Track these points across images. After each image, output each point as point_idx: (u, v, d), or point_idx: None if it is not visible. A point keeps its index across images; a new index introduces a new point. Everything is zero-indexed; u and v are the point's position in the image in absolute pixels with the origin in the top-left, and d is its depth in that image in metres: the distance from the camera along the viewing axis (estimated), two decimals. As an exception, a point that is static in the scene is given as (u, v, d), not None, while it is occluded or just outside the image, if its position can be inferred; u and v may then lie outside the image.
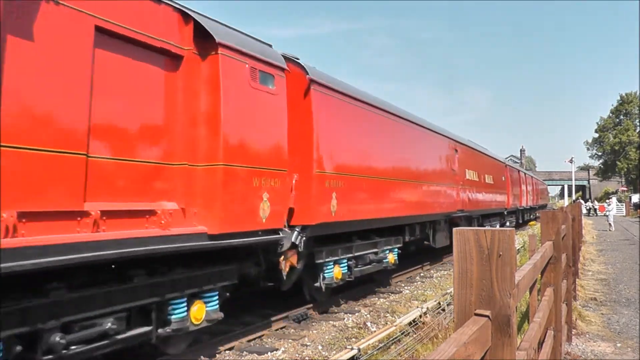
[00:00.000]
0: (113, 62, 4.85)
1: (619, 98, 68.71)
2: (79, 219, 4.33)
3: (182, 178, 5.54)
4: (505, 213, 23.84)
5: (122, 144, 4.96)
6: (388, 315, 8.61)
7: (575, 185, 71.89)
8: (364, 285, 10.64)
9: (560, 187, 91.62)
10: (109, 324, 4.63)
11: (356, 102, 9.26)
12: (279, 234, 6.73)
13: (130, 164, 5.02)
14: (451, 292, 9.20)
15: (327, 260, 8.30)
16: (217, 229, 5.61)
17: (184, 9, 5.62)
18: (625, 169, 64.75)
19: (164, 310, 5.34)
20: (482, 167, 19.02)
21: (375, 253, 9.96)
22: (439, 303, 8.81)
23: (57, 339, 4.07)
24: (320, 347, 6.80)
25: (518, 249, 15.28)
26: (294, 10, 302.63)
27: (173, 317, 5.38)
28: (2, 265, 3.52)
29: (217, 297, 6.05)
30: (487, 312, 1.84)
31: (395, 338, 6.91)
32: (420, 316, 7.81)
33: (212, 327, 7.47)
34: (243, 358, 6.45)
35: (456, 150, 15.54)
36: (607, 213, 31.62)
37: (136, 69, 5.13)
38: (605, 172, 70.08)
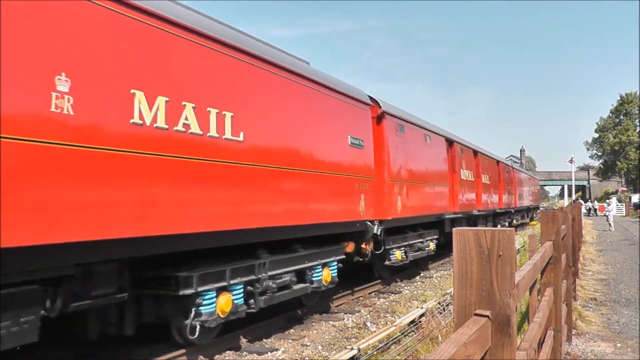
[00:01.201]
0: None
1: (619, 98, 68.82)
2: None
3: None
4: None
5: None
6: (388, 315, 8.61)
7: (575, 186, 71.89)
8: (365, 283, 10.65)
9: (560, 187, 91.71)
10: None
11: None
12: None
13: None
14: (451, 292, 9.20)
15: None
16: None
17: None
18: (625, 169, 64.81)
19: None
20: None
21: None
22: (439, 303, 8.81)
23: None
24: (320, 347, 6.80)
25: (518, 249, 15.28)
26: (294, 10, 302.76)
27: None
28: None
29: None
30: (487, 312, 1.84)
31: (395, 338, 6.91)
32: (420, 316, 7.81)
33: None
34: (243, 358, 6.45)
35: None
36: (607, 213, 31.62)
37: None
38: (605, 172, 70.15)
